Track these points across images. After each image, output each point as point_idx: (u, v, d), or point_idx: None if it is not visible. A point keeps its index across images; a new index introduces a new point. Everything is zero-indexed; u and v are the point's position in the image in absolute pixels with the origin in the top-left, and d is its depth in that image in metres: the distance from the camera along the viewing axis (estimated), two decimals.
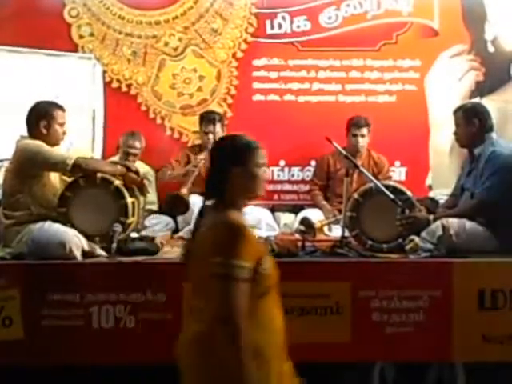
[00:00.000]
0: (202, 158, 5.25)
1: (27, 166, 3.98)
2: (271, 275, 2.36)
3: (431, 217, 4.14)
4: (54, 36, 5.76)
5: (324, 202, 5.63)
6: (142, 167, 5.19)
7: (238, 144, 2.49)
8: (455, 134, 4.46)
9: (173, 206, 4.89)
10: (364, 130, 5.53)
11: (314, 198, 5.79)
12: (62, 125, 4.21)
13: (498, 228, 4.05)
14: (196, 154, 5.56)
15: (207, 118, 5.46)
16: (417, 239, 4.03)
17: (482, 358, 3.71)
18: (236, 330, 2.19)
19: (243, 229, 2.32)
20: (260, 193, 2.53)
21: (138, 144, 5.52)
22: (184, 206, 4.85)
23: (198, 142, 5.86)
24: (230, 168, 2.43)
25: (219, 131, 5.44)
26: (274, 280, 2.38)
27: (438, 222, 4.03)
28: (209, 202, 2.51)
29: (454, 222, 4.03)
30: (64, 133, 4.24)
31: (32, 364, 3.65)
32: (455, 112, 4.46)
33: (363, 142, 5.54)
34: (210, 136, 5.40)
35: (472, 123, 4.31)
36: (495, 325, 3.69)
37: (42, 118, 4.12)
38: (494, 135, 4.34)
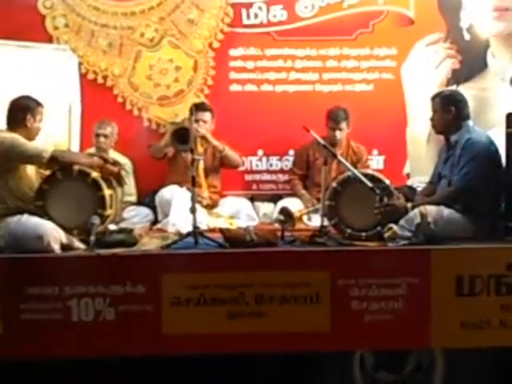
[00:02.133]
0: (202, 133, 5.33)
1: (3, 160, 3.96)
2: None
3: (409, 205, 4.16)
4: (28, 27, 5.70)
5: (303, 191, 5.65)
6: (119, 159, 5.17)
7: None
8: (432, 120, 4.50)
9: (179, 136, 4.78)
10: (342, 124, 5.53)
11: (293, 187, 5.81)
12: (40, 121, 4.25)
13: (475, 214, 4.09)
14: None
15: (199, 107, 5.43)
16: (395, 227, 4.04)
17: (461, 344, 3.74)
18: None
19: None
20: None
21: (108, 128, 5.56)
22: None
23: None
24: None
25: (208, 120, 5.52)
26: None
27: (416, 210, 4.05)
28: None
29: (432, 210, 4.05)
30: (40, 129, 4.27)
31: (11, 358, 3.63)
32: (433, 98, 4.50)
33: (341, 135, 5.53)
34: (201, 124, 5.41)
35: (448, 110, 4.35)
36: (473, 311, 3.71)
37: (27, 112, 4.14)
38: (470, 123, 4.37)
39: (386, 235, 4.07)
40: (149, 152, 5.59)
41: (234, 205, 5.44)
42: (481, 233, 4.09)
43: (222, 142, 5.57)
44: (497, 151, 4.27)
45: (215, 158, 5.61)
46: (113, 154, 5.35)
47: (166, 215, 5.06)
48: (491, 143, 4.28)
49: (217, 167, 5.65)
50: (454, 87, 5.92)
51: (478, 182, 4.10)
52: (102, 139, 5.50)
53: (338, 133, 5.48)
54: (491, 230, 4.15)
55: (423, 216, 4.01)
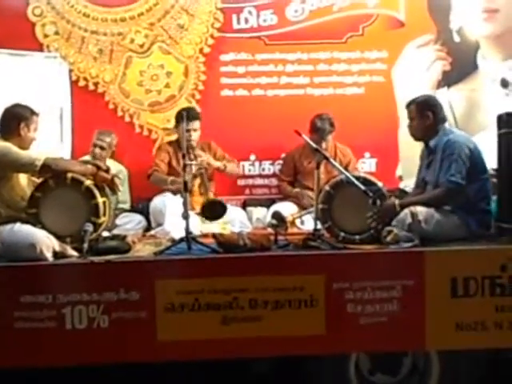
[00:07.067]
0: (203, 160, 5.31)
1: None
2: None
3: (396, 202, 4.16)
4: (18, 35, 5.70)
5: (297, 189, 5.62)
6: (114, 166, 5.17)
7: None
8: (409, 127, 4.49)
9: (211, 211, 4.70)
10: (328, 137, 5.50)
11: (283, 190, 5.82)
12: (35, 130, 4.21)
13: (464, 212, 4.11)
14: (176, 151, 5.44)
15: (190, 115, 5.35)
16: (395, 230, 4.05)
17: (456, 346, 3.73)
18: None
19: None
20: None
21: (107, 138, 5.53)
22: (222, 210, 4.74)
23: (167, 138, 5.86)
24: None
25: (198, 128, 5.46)
26: None
27: (407, 210, 4.07)
28: None
29: (421, 209, 4.07)
30: (34, 139, 4.23)
31: (5, 367, 3.61)
32: (408, 106, 4.50)
33: (326, 145, 5.45)
34: (192, 133, 5.36)
35: (426, 116, 4.36)
36: (468, 312, 3.71)
37: (21, 120, 4.11)
38: (446, 125, 4.41)
39: (388, 239, 4.06)
40: (149, 179, 5.48)
41: (228, 213, 5.40)
42: (471, 229, 4.12)
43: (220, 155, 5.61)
44: (476, 147, 4.27)
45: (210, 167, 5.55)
46: (109, 162, 5.33)
47: (159, 224, 5.04)
48: (469, 141, 4.29)
49: (211, 176, 5.59)
50: (444, 89, 5.95)
51: (465, 179, 4.11)
52: (97, 150, 5.49)
53: (323, 144, 5.38)
54: (481, 226, 4.18)
55: (414, 215, 4.02)
